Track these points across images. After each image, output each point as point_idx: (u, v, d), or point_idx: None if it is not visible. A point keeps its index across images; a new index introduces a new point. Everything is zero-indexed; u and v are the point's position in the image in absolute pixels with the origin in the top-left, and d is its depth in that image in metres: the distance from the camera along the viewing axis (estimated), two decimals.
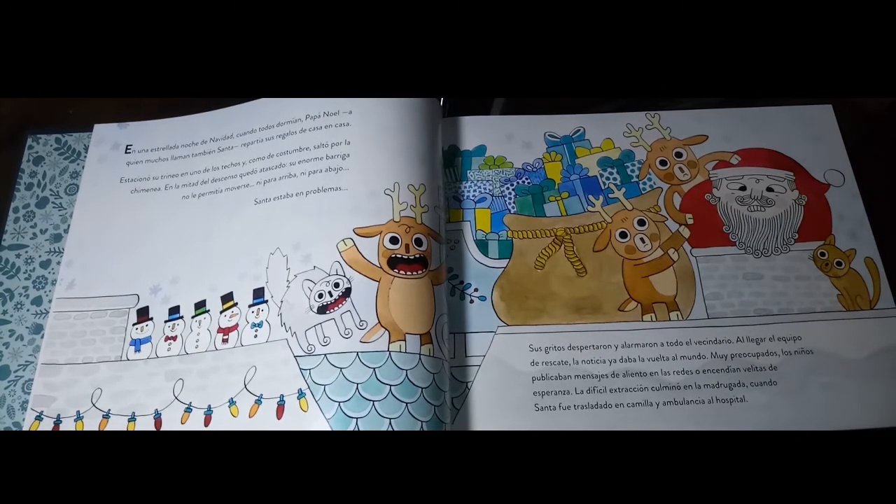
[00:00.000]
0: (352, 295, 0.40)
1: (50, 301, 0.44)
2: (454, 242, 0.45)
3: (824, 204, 0.46)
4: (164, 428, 0.39)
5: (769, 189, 0.46)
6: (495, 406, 0.40)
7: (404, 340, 0.38)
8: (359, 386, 0.37)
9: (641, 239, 0.45)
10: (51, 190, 0.48)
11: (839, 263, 0.44)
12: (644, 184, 0.47)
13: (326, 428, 0.36)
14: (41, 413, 0.40)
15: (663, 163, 0.48)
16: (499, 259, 0.45)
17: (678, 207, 0.46)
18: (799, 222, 0.45)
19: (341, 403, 0.37)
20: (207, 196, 0.46)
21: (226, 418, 0.39)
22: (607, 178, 0.48)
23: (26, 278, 0.45)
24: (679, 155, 0.48)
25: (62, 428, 0.40)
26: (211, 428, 0.39)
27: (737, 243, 0.45)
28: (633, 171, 0.48)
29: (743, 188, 0.47)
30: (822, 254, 0.44)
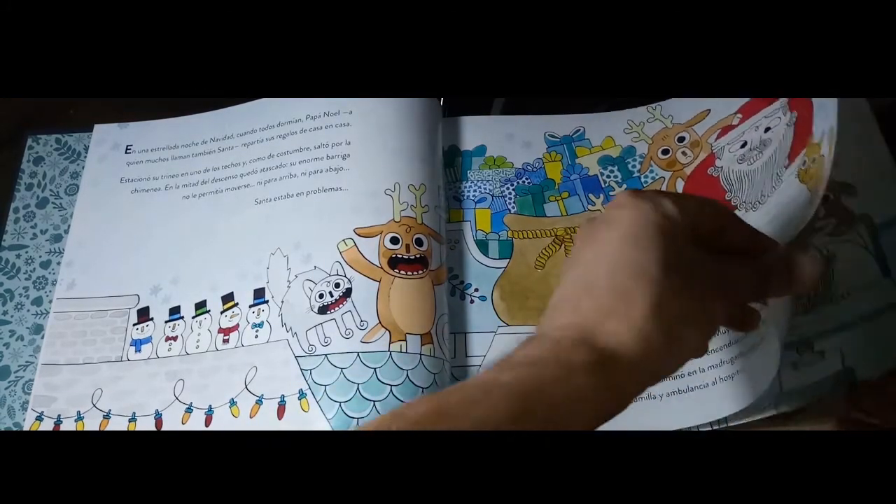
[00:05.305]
0: (352, 295, 0.40)
1: (50, 301, 0.44)
2: (454, 242, 0.45)
3: (810, 112, 0.38)
4: (164, 428, 0.39)
5: (766, 129, 0.43)
6: None
7: (405, 340, 0.38)
8: (359, 386, 0.37)
9: None
10: (51, 190, 0.48)
11: (815, 161, 0.36)
12: (646, 177, 0.47)
13: (327, 428, 0.36)
14: (41, 413, 0.40)
15: (665, 151, 0.47)
16: (499, 259, 0.44)
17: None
18: (790, 144, 0.40)
19: (342, 404, 0.37)
20: (208, 196, 0.46)
21: (227, 418, 0.39)
22: (608, 177, 0.47)
23: (26, 278, 0.45)
24: (681, 139, 0.47)
25: (63, 428, 0.40)
26: (212, 428, 0.39)
27: (737, 206, 0.42)
28: (634, 166, 0.47)
29: (744, 144, 0.44)
30: (804, 162, 0.37)
